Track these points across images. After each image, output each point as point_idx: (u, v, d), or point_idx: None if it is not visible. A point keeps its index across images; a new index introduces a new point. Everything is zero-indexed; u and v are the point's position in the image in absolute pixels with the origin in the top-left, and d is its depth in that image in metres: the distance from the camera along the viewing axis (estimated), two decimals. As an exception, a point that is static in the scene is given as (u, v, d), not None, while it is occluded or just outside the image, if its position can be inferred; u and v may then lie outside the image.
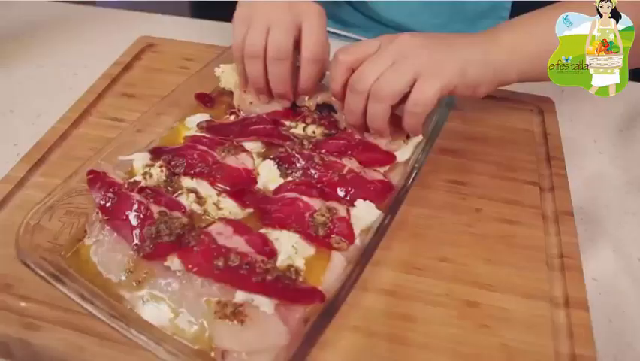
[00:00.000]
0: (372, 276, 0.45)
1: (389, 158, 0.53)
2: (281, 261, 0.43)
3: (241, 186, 0.50)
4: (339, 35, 0.62)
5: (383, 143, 0.54)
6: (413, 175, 0.49)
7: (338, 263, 0.43)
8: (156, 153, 0.51)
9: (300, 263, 0.43)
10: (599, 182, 0.58)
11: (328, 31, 0.54)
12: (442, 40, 0.50)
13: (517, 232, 0.50)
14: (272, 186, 0.50)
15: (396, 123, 0.52)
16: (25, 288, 0.43)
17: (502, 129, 0.61)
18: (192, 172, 0.49)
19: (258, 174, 0.51)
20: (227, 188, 0.49)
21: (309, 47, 0.51)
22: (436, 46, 0.48)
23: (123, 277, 0.42)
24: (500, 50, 0.50)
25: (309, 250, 0.44)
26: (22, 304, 0.42)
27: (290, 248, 0.44)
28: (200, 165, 0.50)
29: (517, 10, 0.71)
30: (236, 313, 0.38)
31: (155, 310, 0.41)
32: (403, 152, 0.54)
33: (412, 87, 0.47)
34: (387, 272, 0.46)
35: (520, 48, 0.51)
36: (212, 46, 0.74)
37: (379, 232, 0.43)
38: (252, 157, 0.52)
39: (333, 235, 0.45)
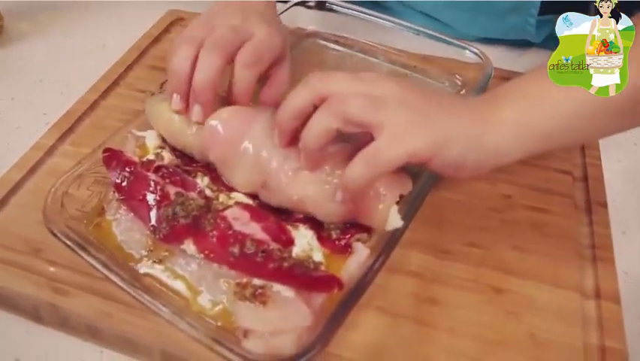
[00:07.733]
0: (400, 258, 0.44)
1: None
2: (296, 254, 0.42)
3: None
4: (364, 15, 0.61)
5: None
6: None
7: (360, 252, 0.42)
8: None
9: (318, 257, 0.42)
10: (634, 174, 0.56)
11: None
12: (430, 107, 0.40)
13: (547, 220, 0.48)
14: None
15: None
16: (54, 253, 0.43)
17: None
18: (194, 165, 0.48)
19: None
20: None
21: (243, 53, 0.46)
22: (421, 106, 0.39)
23: (144, 253, 0.42)
24: (503, 128, 0.40)
25: (325, 249, 0.43)
26: (52, 269, 0.43)
27: (305, 243, 0.43)
28: None
29: (546, 5, 0.68)
30: (257, 295, 0.38)
31: (176, 288, 0.40)
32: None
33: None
34: (415, 255, 0.45)
35: (531, 124, 0.40)
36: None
37: (405, 220, 0.42)
38: None
39: (348, 236, 0.43)
